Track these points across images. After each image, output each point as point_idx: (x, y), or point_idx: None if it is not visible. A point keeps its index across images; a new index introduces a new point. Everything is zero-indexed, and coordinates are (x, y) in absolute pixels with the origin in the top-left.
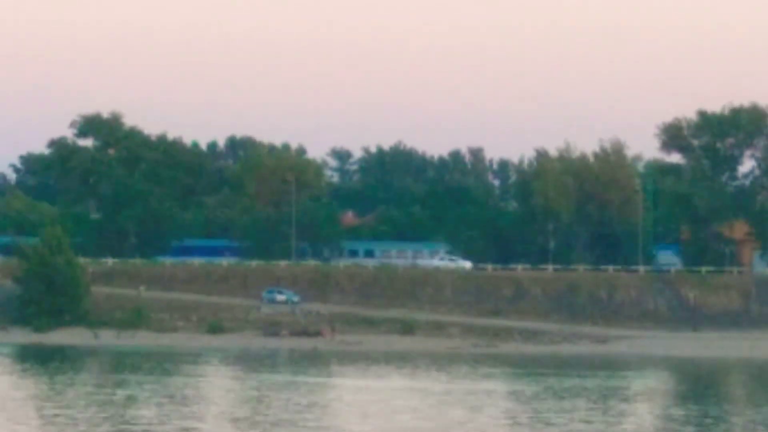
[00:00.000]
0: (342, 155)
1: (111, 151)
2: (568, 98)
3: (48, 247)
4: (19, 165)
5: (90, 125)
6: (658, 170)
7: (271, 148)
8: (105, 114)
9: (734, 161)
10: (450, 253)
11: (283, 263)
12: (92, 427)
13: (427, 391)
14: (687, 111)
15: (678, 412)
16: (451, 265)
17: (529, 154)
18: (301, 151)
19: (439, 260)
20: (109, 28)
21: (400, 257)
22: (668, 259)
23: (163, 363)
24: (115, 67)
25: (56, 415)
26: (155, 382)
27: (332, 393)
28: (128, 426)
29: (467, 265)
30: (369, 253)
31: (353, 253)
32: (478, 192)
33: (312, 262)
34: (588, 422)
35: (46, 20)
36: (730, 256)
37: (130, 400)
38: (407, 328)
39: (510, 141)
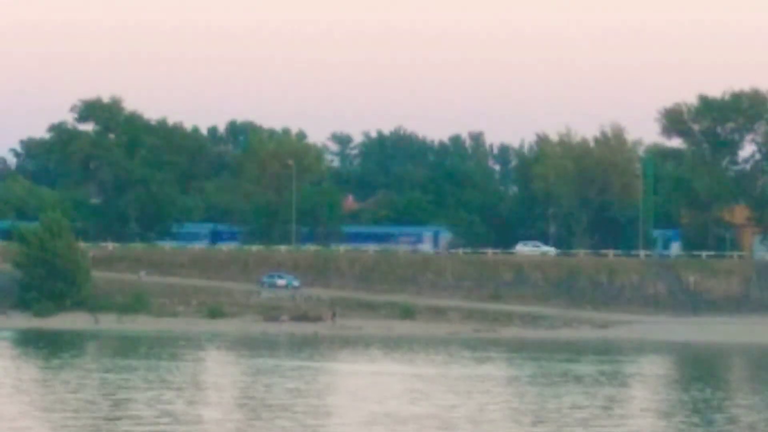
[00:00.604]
0: (342, 140)
1: (111, 136)
2: (569, 83)
3: (48, 232)
4: (19, 149)
5: (90, 110)
6: (659, 155)
7: (272, 133)
8: (105, 98)
9: (735, 146)
10: (453, 237)
11: (283, 248)
12: (83, 412)
13: (421, 376)
14: (687, 95)
15: (677, 396)
16: (537, 251)
17: (529, 138)
18: (302, 135)
19: (530, 247)
20: (110, 13)
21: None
22: (675, 249)
23: (163, 347)
24: (115, 52)
25: (49, 400)
26: (153, 367)
27: (327, 377)
28: (125, 412)
29: (552, 251)
30: (380, 238)
31: (373, 237)
32: (478, 176)
33: (312, 247)
34: (581, 407)
35: (46, 5)
36: (730, 240)
37: (126, 384)
38: (407, 313)
39: (510, 125)
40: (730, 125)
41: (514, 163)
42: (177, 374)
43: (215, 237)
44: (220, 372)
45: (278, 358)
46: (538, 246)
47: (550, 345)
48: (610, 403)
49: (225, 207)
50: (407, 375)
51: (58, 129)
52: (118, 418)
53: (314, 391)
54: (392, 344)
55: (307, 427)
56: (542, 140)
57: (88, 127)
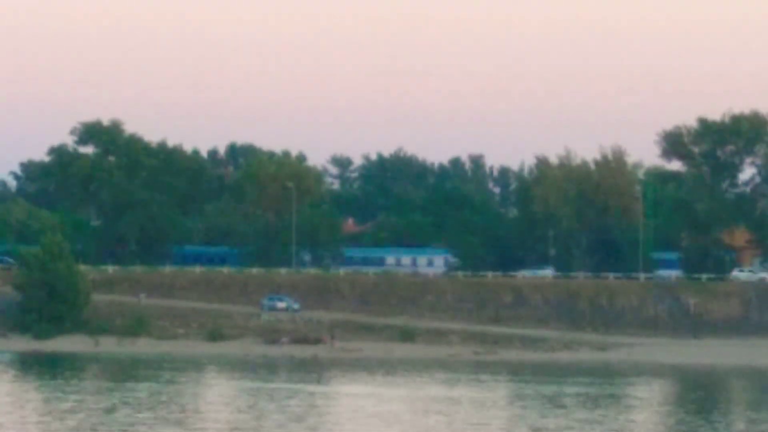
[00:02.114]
0: (342, 162)
1: (111, 158)
2: (569, 105)
3: (48, 254)
4: (19, 172)
5: (90, 132)
6: (659, 177)
7: (272, 155)
8: (105, 121)
9: (734, 168)
10: (452, 257)
11: (283, 270)
12: None
13: (414, 399)
14: (687, 118)
15: (677, 419)
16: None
17: (529, 161)
18: (302, 158)
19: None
20: (110, 36)
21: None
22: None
23: (162, 370)
24: (115, 75)
25: (40, 423)
26: (151, 390)
27: (320, 401)
28: None
29: (549, 273)
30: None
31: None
32: (478, 199)
33: (312, 270)
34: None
35: (46, 27)
36: (730, 263)
37: (126, 407)
38: (407, 335)
39: (510, 148)
40: (730, 148)
41: (514, 185)
42: (173, 397)
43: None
44: (213, 394)
45: (268, 381)
46: (536, 271)
47: (549, 368)
48: (611, 424)
49: (225, 229)
50: (400, 398)
51: (58, 152)
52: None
53: (306, 415)
54: (387, 367)
55: None
56: (542, 163)
57: (88, 149)
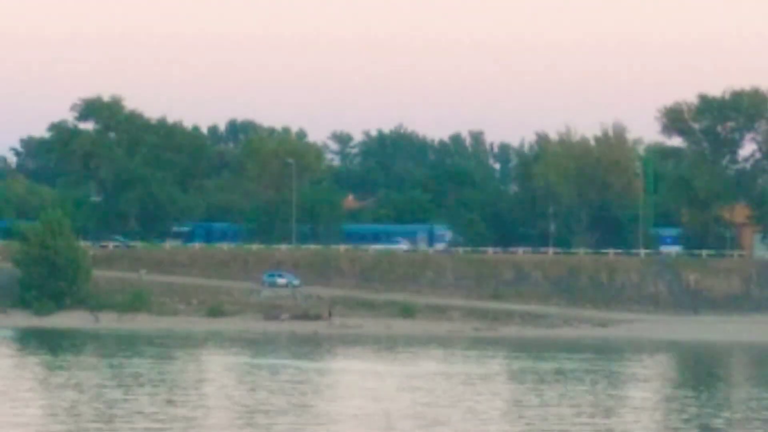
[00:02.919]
0: (342, 138)
1: (111, 135)
2: (569, 81)
3: (49, 231)
4: (19, 148)
5: (90, 108)
6: (659, 154)
7: (272, 132)
8: (105, 97)
9: (735, 145)
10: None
11: (283, 247)
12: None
13: (403, 375)
14: (688, 94)
15: (676, 394)
16: None
17: (529, 137)
18: (302, 134)
19: None
20: (110, 12)
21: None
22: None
23: (162, 347)
24: (115, 51)
25: (38, 399)
26: (151, 366)
27: (305, 376)
28: (126, 411)
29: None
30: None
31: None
32: (478, 175)
33: (312, 246)
34: (577, 406)
35: (46, 3)
36: (730, 239)
37: (127, 381)
38: (407, 312)
39: (511, 124)
40: (731, 124)
41: (514, 162)
42: (172, 373)
43: (209, 236)
44: (210, 370)
45: (272, 356)
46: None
47: (549, 344)
48: (612, 399)
49: (225, 206)
50: (394, 374)
51: (58, 128)
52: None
53: (300, 390)
54: (386, 343)
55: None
56: (542, 139)
57: (88, 126)
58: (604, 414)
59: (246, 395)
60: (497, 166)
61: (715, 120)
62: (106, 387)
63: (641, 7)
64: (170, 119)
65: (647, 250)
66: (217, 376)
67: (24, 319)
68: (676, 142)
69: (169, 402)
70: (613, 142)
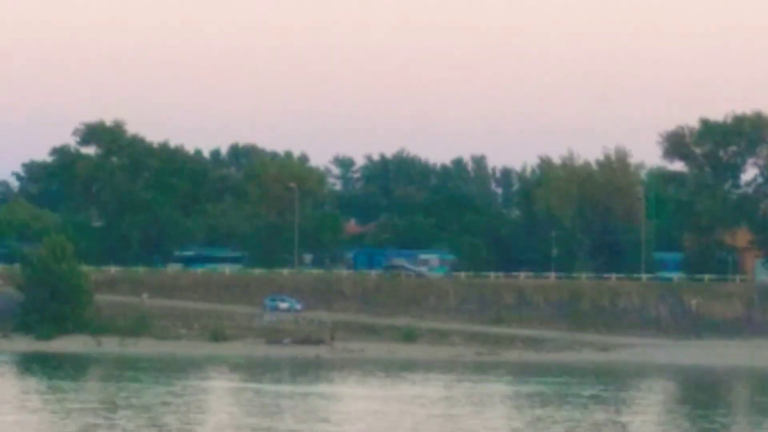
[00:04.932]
0: (345, 163)
1: (114, 159)
2: (571, 106)
3: (51, 255)
4: (21, 173)
5: (93, 133)
6: (661, 178)
7: (274, 156)
8: (108, 122)
9: (737, 169)
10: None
11: (285, 271)
12: None
13: (397, 398)
14: (690, 119)
15: (679, 420)
16: None
17: (532, 161)
18: (304, 158)
19: None
20: (112, 36)
21: None
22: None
23: (165, 371)
24: (117, 75)
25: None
26: (154, 390)
27: (313, 401)
28: None
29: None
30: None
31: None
32: (480, 200)
33: (315, 270)
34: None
35: (48, 27)
36: (732, 264)
37: (128, 407)
38: (410, 336)
39: (513, 149)
40: (732, 149)
41: (516, 186)
42: (173, 397)
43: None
44: (210, 394)
45: (273, 382)
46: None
47: (551, 368)
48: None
49: (227, 230)
50: (394, 398)
51: (60, 152)
52: None
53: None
54: (387, 368)
55: None
56: (545, 163)
57: (90, 150)
58: None
59: (245, 419)
60: (499, 190)
61: (717, 144)
62: (110, 411)
63: (643, 31)
64: (172, 143)
65: (649, 275)
66: (215, 401)
67: (26, 344)
68: (678, 166)
69: (163, 428)
70: (616, 167)
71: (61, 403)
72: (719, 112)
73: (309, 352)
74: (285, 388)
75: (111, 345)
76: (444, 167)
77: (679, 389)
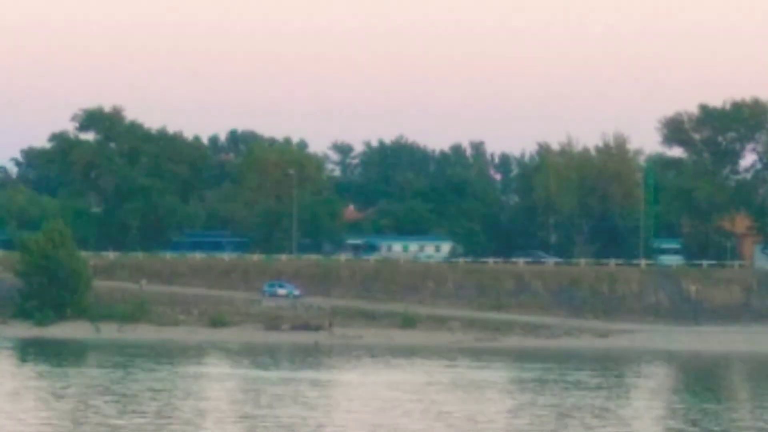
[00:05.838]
0: (343, 149)
1: (112, 145)
2: (570, 92)
3: (50, 241)
4: (20, 159)
5: (91, 119)
6: (660, 164)
7: (273, 142)
8: (106, 108)
9: (735, 155)
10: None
11: (284, 257)
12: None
13: (396, 385)
14: (688, 105)
15: (677, 405)
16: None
17: (530, 147)
18: (303, 145)
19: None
20: (111, 22)
21: None
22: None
23: (162, 357)
24: (116, 61)
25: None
26: (150, 377)
27: (309, 387)
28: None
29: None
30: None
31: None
32: (479, 186)
33: (313, 256)
34: (573, 417)
35: (47, 14)
36: (731, 250)
37: (127, 394)
38: (408, 322)
39: (511, 134)
40: (731, 134)
41: (515, 172)
42: (172, 383)
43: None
44: (206, 381)
45: (270, 367)
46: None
47: (550, 354)
48: (611, 409)
49: (226, 216)
50: (392, 383)
51: (59, 138)
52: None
53: (292, 400)
54: (385, 354)
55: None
56: (544, 149)
57: (89, 136)
58: (599, 421)
59: (243, 407)
60: (498, 176)
61: (716, 130)
62: (104, 394)
63: (642, 18)
64: (171, 129)
65: (648, 261)
66: (212, 387)
67: (25, 330)
68: (677, 152)
69: (160, 413)
70: (614, 153)
71: (55, 388)
72: (718, 98)
73: (307, 338)
74: (282, 374)
75: (110, 331)
76: (443, 153)
77: (678, 375)
